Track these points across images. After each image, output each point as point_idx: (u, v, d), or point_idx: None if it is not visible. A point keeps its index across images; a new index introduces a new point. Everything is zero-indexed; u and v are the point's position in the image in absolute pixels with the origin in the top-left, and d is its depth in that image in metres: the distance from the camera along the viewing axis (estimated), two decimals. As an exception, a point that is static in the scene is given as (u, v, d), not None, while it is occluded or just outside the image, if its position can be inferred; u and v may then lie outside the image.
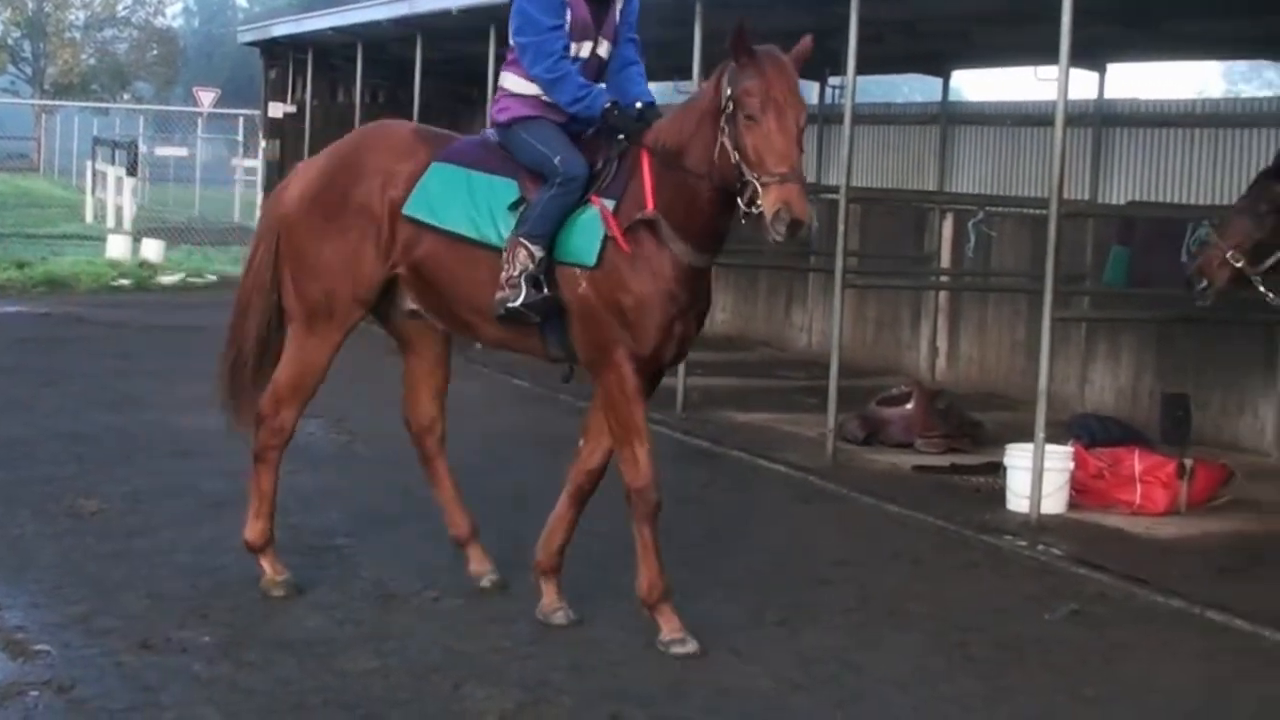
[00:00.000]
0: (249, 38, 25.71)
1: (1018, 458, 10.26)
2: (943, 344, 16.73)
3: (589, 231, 6.94)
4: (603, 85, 7.29)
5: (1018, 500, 10.17)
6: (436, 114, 24.28)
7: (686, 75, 15.09)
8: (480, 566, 7.95)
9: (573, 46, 7.19)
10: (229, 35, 39.01)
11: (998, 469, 10.69)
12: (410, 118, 20.09)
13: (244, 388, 8.02)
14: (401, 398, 8.23)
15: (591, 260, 6.93)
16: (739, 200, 6.56)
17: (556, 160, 7.05)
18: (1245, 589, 8.58)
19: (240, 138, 34.89)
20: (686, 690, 6.52)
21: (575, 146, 7.12)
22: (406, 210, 7.36)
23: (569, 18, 7.14)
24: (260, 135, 25.62)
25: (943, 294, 16.64)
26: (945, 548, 9.34)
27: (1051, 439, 10.20)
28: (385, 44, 21.00)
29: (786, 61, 6.55)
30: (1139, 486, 10.43)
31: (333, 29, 21.36)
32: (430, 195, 7.31)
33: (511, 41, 7.27)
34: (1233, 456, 12.04)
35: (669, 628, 6.99)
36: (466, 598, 7.74)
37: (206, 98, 39.86)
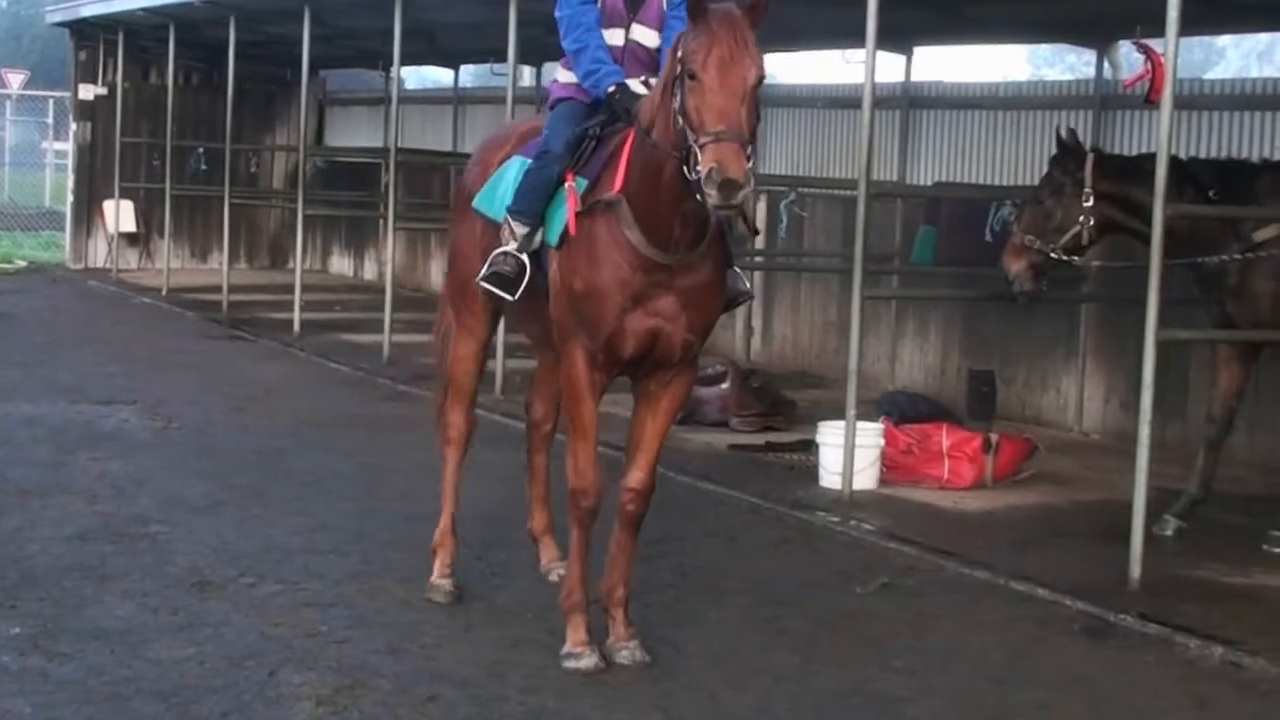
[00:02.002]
0: (58, 18, 25.15)
1: (829, 435, 10.44)
2: (757, 323, 16.92)
3: (559, 211, 6.71)
4: (619, 68, 6.88)
5: (830, 477, 10.34)
6: (251, 97, 24.17)
7: (502, 58, 15.06)
8: (550, 560, 7.89)
9: (605, 34, 6.95)
10: (38, 16, 38.15)
11: (810, 446, 10.87)
12: (224, 100, 20.00)
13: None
14: (530, 388, 8.24)
15: (554, 240, 6.72)
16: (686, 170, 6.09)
17: (545, 133, 6.96)
18: (1047, 559, 8.84)
19: (51, 120, 34.12)
20: (504, 671, 6.57)
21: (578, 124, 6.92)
22: (474, 204, 7.39)
23: (600, 3, 6.97)
24: (71, 118, 25.12)
25: (756, 274, 16.82)
26: (759, 524, 9.49)
27: (862, 416, 10.39)
28: (198, 25, 20.69)
29: (738, 18, 6.09)
30: (947, 461, 10.66)
31: (143, 10, 20.99)
32: (494, 188, 7.25)
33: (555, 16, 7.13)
34: (1037, 431, 12.36)
35: (571, 640, 6.69)
36: (281, 584, 7.71)
37: (15, 79, 38.89)
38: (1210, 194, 9.08)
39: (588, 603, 6.75)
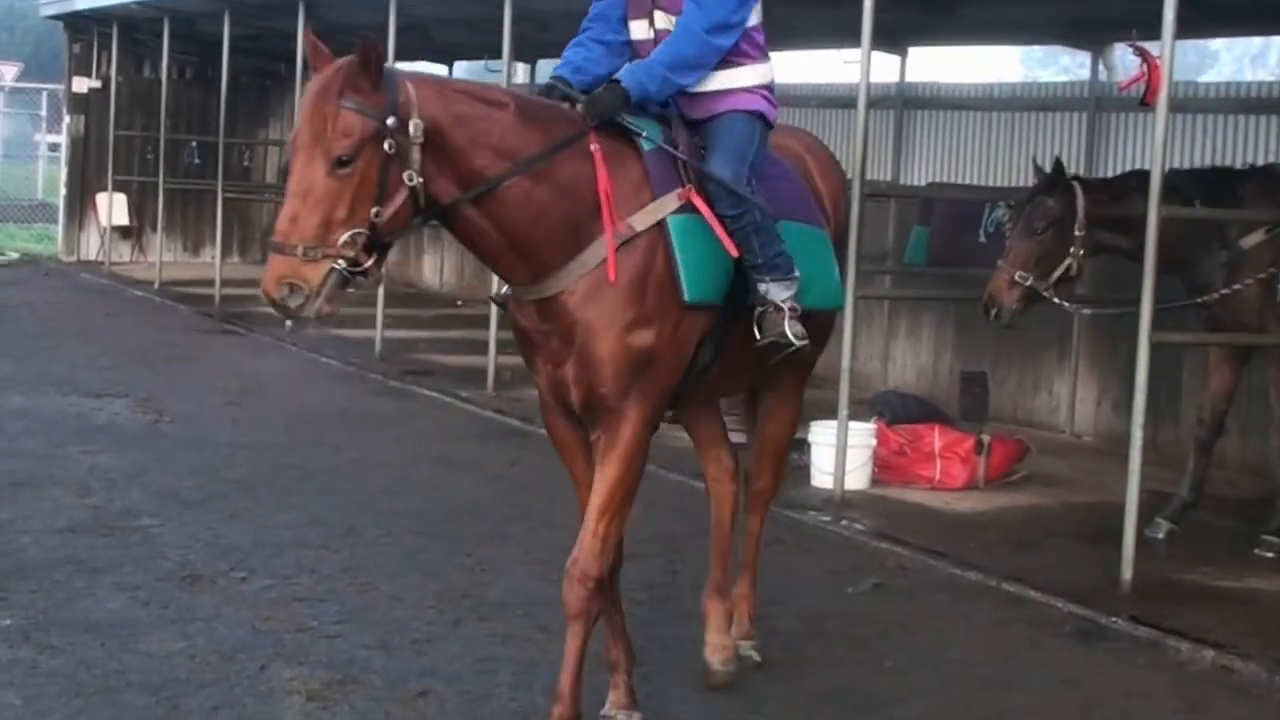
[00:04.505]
0: (52, 10, 25.09)
1: (822, 435, 10.44)
2: (751, 323, 16.89)
3: None
4: (569, 60, 5.93)
5: (822, 476, 10.35)
6: (245, 91, 24.17)
7: (497, 54, 15.07)
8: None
9: (632, 26, 6.06)
10: (32, 8, 38.07)
11: (802, 446, 10.85)
12: (218, 94, 20.00)
13: None
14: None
15: None
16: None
17: None
18: (1039, 561, 8.85)
19: (44, 113, 34.06)
20: (494, 668, 6.56)
21: None
22: None
23: None
24: (64, 110, 25.08)
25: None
26: (751, 523, 9.47)
27: (854, 416, 10.39)
28: (192, 19, 20.68)
29: (328, 77, 5.02)
30: (939, 462, 10.67)
31: (137, 3, 20.94)
32: None
33: None
34: (1028, 433, 12.39)
35: None
36: (273, 578, 7.70)
37: (9, 71, 38.83)
38: (1195, 204, 9.10)
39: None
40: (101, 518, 8.70)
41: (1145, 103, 9.36)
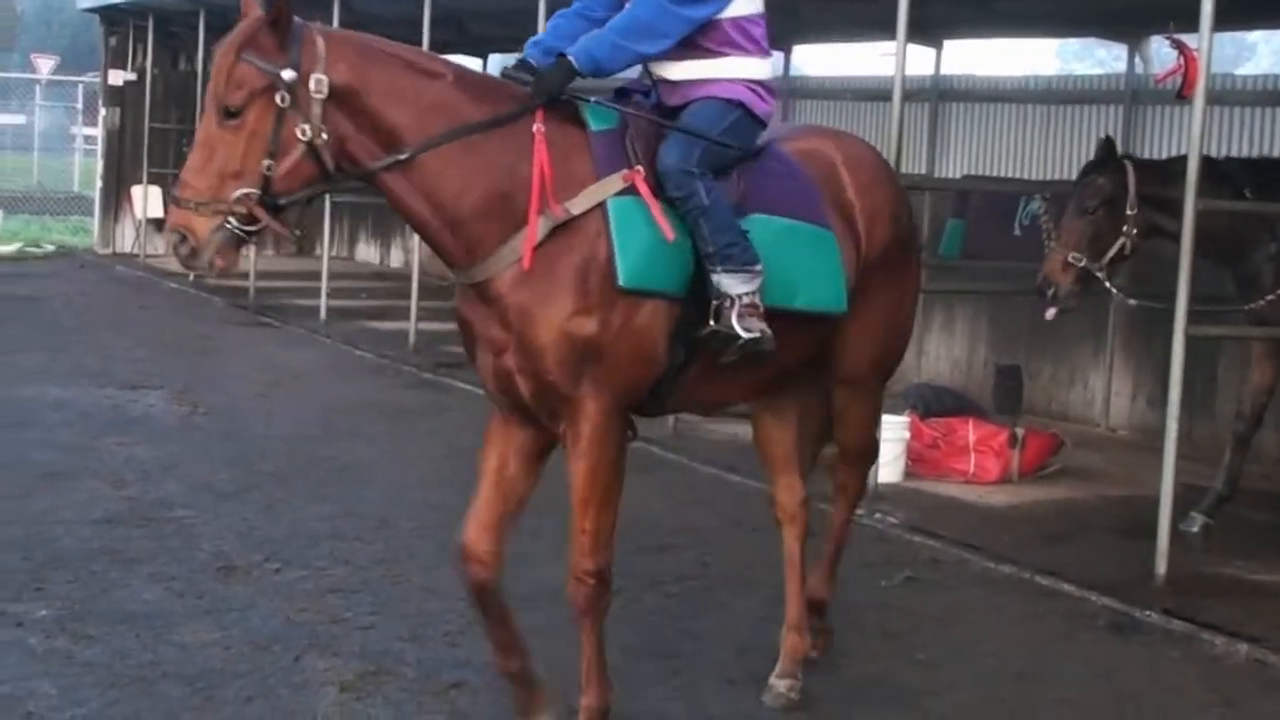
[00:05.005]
0: (88, 4, 25.21)
1: (855, 428, 10.39)
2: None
3: None
4: (543, 37, 5.72)
5: (854, 469, 10.30)
6: (279, 83, 24.18)
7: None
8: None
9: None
10: (68, 1, 38.26)
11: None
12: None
13: None
14: None
15: None
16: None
17: None
18: (1073, 554, 8.82)
19: (80, 105, 34.23)
20: (527, 658, 6.57)
21: None
22: None
23: None
24: (100, 103, 25.19)
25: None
26: (784, 516, 9.45)
27: (888, 409, 10.34)
28: (228, 12, 20.63)
29: (225, 39, 5.11)
30: (972, 456, 10.64)
31: (174, -5, 21.07)
32: None
33: None
34: (1063, 426, 12.34)
35: None
36: (306, 570, 7.73)
37: (45, 65, 39.04)
38: (1246, 193, 9.01)
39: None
40: (137, 509, 8.74)
41: (1182, 95, 9.32)
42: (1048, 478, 10.83)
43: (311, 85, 4.99)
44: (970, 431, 10.74)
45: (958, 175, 15.16)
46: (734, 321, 5.37)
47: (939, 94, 15.45)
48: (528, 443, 5.54)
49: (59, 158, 37.00)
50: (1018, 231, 13.01)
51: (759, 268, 5.46)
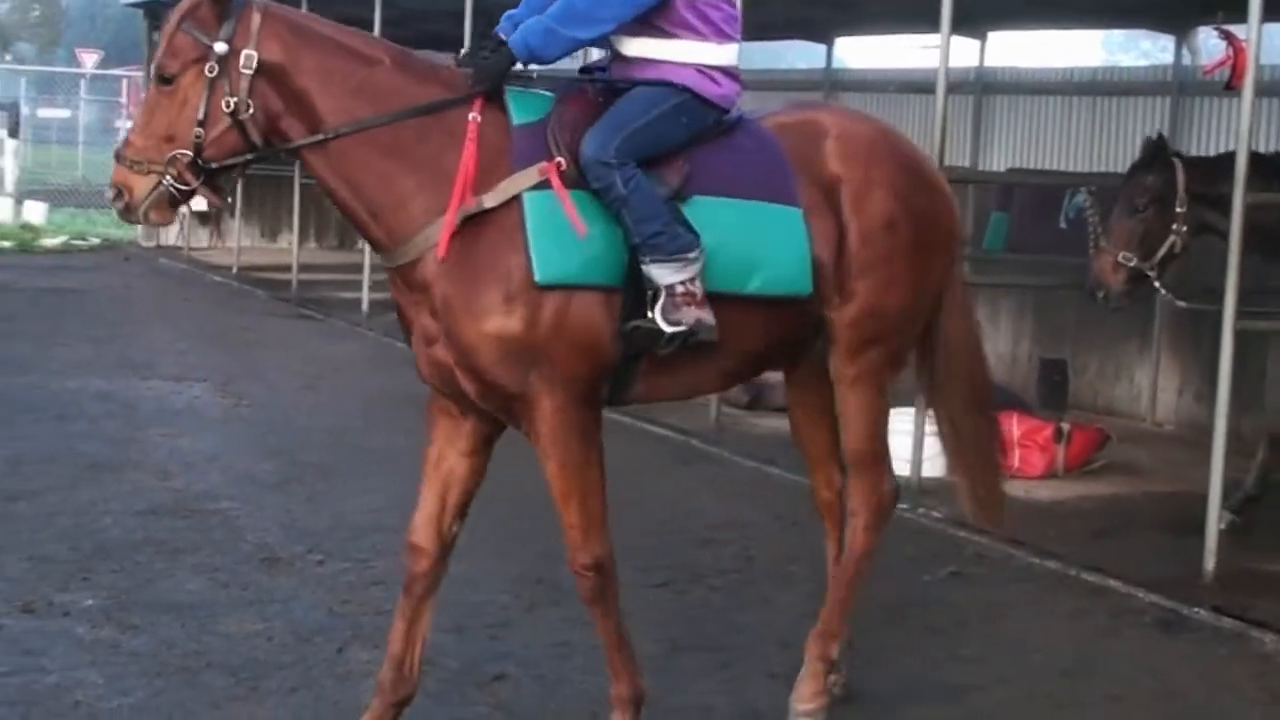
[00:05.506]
0: (132, -2, 25.35)
1: (898, 422, 10.30)
2: (827, 310, 16.83)
3: None
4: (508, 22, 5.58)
5: (898, 464, 10.20)
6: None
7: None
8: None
9: None
10: (112, -4, 38.61)
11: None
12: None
13: None
14: None
15: None
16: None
17: None
18: (1119, 550, 8.76)
19: (124, 99, 34.40)
20: (569, 652, 6.56)
21: None
22: None
23: None
24: (144, 97, 25.28)
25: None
26: (827, 510, 9.42)
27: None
28: (270, 5, 20.76)
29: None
30: (1017, 450, 10.57)
31: (217, -10, 21.09)
32: None
33: None
34: (1109, 421, 12.27)
35: None
36: (350, 561, 7.74)
37: (89, 59, 39.28)
38: None
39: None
40: (181, 500, 8.77)
41: (1230, 87, 9.24)
42: (1093, 473, 10.77)
43: (241, 60, 5.11)
44: (1015, 426, 10.67)
45: (1002, 168, 15.09)
46: (657, 315, 5.21)
47: (983, 86, 15.38)
48: (468, 432, 5.57)
49: (103, 151, 37.05)
50: (1063, 225, 12.93)
51: (694, 254, 5.23)
